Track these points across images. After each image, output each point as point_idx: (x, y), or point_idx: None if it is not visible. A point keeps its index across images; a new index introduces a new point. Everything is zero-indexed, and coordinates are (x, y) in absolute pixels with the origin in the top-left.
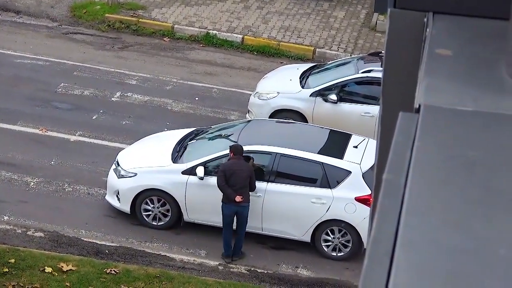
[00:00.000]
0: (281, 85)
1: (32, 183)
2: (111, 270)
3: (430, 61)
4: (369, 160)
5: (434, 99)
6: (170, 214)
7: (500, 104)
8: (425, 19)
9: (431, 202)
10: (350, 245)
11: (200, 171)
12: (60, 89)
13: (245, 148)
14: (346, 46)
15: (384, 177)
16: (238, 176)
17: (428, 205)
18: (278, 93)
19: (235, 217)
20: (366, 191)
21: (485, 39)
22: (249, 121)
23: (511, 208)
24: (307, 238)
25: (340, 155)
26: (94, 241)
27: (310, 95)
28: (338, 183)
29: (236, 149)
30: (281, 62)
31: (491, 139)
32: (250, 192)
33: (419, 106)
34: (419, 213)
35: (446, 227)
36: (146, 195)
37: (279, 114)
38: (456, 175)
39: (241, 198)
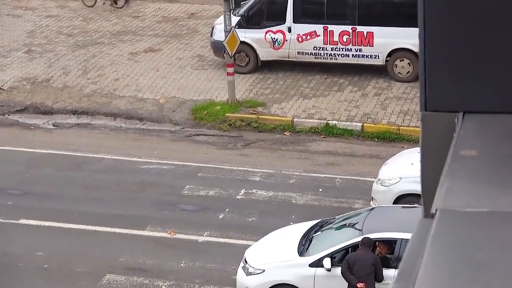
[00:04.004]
0: (403, 170)
1: (163, 287)
2: None
3: (453, 163)
4: None
5: (450, 202)
6: None
7: None
8: (456, 120)
9: None
10: None
11: (327, 262)
12: (185, 191)
13: (370, 236)
14: None
15: (392, 287)
16: (361, 264)
17: None
18: (400, 178)
19: None
20: None
21: None
22: (372, 208)
23: None
24: None
25: None
26: None
27: None
28: None
29: (363, 241)
30: (402, 147)
31: (502, 239)
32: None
33: (436, 211)
34: None
35: None
36: None
37: (403, 199)
38: (459, 278)
39: (363, 285)
